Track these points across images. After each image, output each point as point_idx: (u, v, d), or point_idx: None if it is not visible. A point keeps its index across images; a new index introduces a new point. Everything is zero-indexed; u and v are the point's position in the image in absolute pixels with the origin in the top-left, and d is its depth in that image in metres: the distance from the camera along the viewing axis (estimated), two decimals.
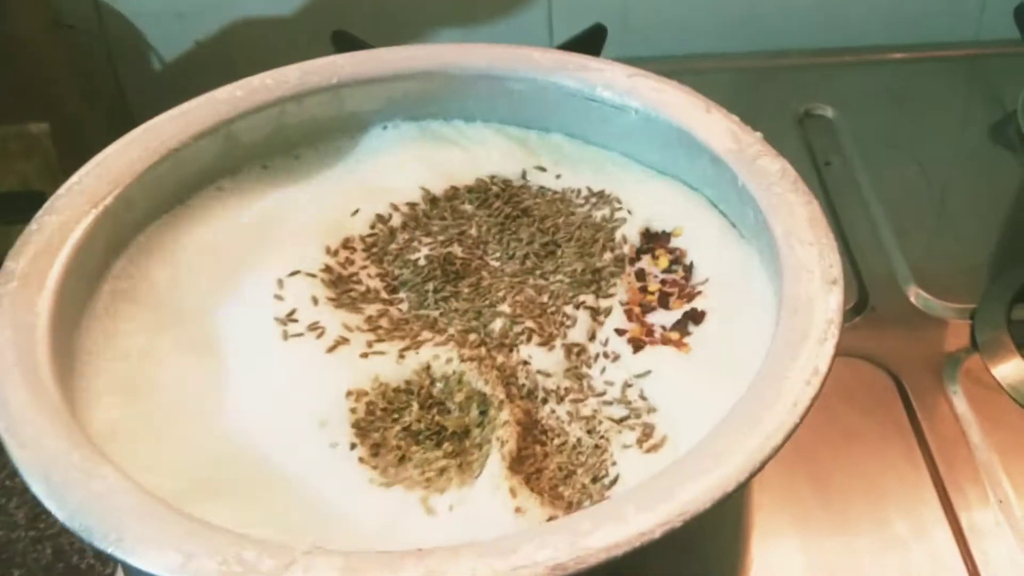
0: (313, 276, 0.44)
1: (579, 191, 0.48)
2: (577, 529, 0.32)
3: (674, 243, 0.46)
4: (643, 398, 0.40)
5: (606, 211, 0.47)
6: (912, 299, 0.63)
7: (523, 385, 0.41)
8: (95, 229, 0.42)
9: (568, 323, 0.43)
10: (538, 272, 0.45)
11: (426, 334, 0.42)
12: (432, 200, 0.48)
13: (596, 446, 0.39)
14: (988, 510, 0.53)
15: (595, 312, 0.43)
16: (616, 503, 0.33)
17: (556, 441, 0.39)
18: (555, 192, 0.48)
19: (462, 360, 0.41)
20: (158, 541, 0.32)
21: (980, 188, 0.72)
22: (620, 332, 0.42)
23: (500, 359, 0.41)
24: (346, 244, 0.46)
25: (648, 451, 0.39)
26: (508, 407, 0.39)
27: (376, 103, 0.50)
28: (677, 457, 0.36)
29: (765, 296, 0.42)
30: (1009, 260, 0.66)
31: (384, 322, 0.43)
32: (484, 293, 0.44)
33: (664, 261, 0.45)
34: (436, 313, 0.43)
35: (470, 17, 0.80)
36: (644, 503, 0.32)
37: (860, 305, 0.63)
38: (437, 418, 0.40)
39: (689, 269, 0.45)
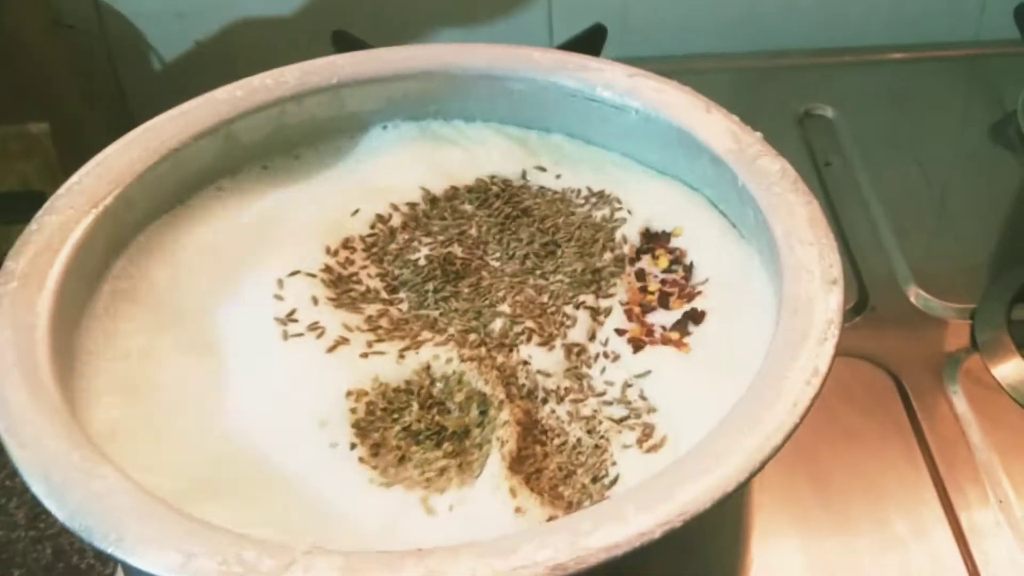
0: (313, 276, 0.44)
1: (579, 191, 0.48)
2: (577, 529, 0.32)
3: (674, 243, 0.46)
4: (643, 398, 0.40)
5: (606, 211, 0.47)
6: (912, 299, 0.63)
7: (523, 385, 0.41)
8: (95, 229, 0.42)
9: (568, 323, 0.43)
10: (538, 272, 0.45)
11: (426, 334, 0.42)
12: (432, 200, 0.48)
13: (596, 446, 0.39)
14: (988, 510, 0.53)
15: (595, 312, 0.43)
16: (616, 503, 0.33)
17: (556, 441, 0.39)
18: (555, 192, 0.48)
19: (462, 360, 0.41)
20: (158, 541, 0.32)
21: (980, 188, 0.72)
22: (620, 332, 0.42)
23: (500, 359, 0.41)
24: (346, 244, 0.46)
25: (648, 451, 0.38)
26: (508, 407, 0.39)
27: (376, 103, 0.50)
28: (677, 457, 0.36)
29: (765, 296, 0.42)
30: (1009, 260, 0.66)
31: (384, 322, 0.43)
32: (484, 293, 0.44)
33: (664, 261, 0.45)
34: (436, 313, 0.43)
35: (470, 17, 0.80)
36: (644, 503, 0.32)
37: (860, 305, 0.63)
38: (437, 418, 0.40)
39: (689, 269, 0.45)
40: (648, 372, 0.41)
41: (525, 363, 0.41)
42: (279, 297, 0.43)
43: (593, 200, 0.47)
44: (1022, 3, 0.77)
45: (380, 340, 0.42)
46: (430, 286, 0.44)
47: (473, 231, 0.47)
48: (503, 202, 0.48)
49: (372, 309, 0.43)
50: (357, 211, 0.47)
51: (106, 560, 0.51)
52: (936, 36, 0.83)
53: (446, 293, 0.44)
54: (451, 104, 0.50)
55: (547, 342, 0.42)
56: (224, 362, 0.41)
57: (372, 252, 0.46)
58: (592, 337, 0.42)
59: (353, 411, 0.40)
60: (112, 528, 0.32)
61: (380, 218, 0.47)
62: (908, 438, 0.56)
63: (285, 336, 0.42)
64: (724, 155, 0.44)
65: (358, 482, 0.38)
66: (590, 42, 0.71)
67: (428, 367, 0.41)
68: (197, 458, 0.38)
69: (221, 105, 0.47)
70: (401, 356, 0.41)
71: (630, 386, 0.41)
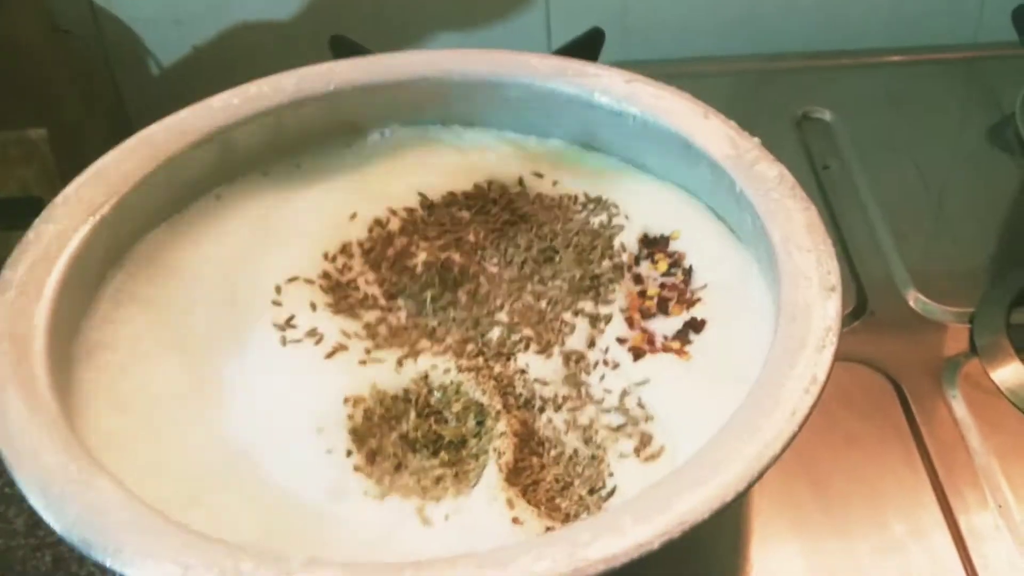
0: (311, 282, 0.44)
1: (576, 197, 0.48)
2: (575, 540, 0.32)
3: (672, 247, 0.46)
4: (641, 406, 0.40)
5: (604, 217, 0.47)
6: (911, 303, 0.63)
7: (520, 394, 0.41)
8: (92, 238, 0.42)
9: (566, 330, 0.43)
10: (536, 278, 0.45)
11: (424, 343, 0.42)
12: (430, 206, 0.48)
13: (593, 456, 0.39)
14: (987, 514, 0.53)
15: (594, 319, 0.43)
16: (614, 514, 0.33)
17: (553, 452, 0.39)
18: (553, 198, 0.48)
19: (460, 370, 0.41)
20: (155, 553, 0.32)
21: (978, 191, 0.71)
22: (621, 341, 0.42)
23: (497, 369, 0.41)
24: (344, 250, 0.46)
25: (646, 460, 0.38)
26: (505, 418, 0.39)
27: (374, 109, 0.50)
28: (675, 466, 0.36)
29: (764, 302, 0.42)
30: (1008, 263, 0.65)
31: (382, 329, 0.43)
32: (482, 301, 0.44)
33: (663, 265, 0.45)
34: (435, 322, 0.43)
35: (468, 20, 0.80)
36: (642, 514, 0.32)
37: (859, 309, 0.63)
38: (434, 427, 0.40)
39: (688, 272, 0.45)
40: (647, 380, 0.41)
41: (523, 372, 0.41)
42: (277, 303, 0.43)
43: (591, 206, 0.47)
44: (1020, 5, 0.77)
45: (378, 347, 0.42)
46: (428, 294, 0.44)
47: (471, 237, 0.47)
48: (501, 208, 0.47)
49: (370, 316, 0.43)
50: (355, 216, 0.47)
51: (105, 569, 0.51)
52: (934, 38, 0.82)
53: (444, 302, 0.44)
54: (449, 110, 0.50)
55: (545, 350, 0.42)
56: (222, 369, 0.41)
57: (370, 257, 0.46)
58: (591, 344, 0.42)
59: (350, 417, 0.40)
60: (110, 540, 0.32)
61: (378, 223, 0.47)
62: (907, 442, 0.56)
63: (284, 342, 0.42)
64: (722, 161, 0.44)
65: (354, 491, 0.38)
66: (588, 46, 0.71)
67: (426, 376, 0.41)
68: (194, 466, 0.38)
69: (218, 113, 0.47)
70: (399, 364, 0.41)
71: (628, 394, 0.41)
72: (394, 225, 0.47)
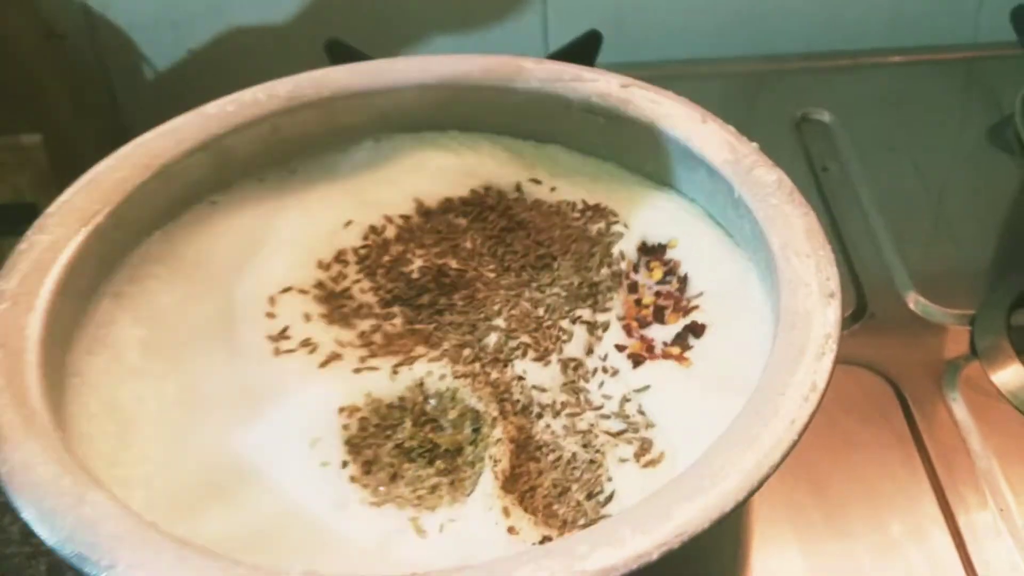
0: (305, 293, 0.44)
1: (574, 204, 0.48)
2: (573, 552, 0.32)
3: (669, 255, 0.45)
4: (641, 413, 0.40)
5: (601, 224, 0.47)
6: (911, 305, 0.63)
7: (517, 401, 0.40)
8: (86, 248, 0.41)
9: (564, 338, 0.42)
10: (534, 285, 0.45)
11: (420, 349, 0.42)
12: (426, 212, 0.48)
13: (591, 461, 0.38)
14: (988, 517, 0.52)
15: (592, 327, 0.43)
16: (612, 524, 0.33)
17: (551, 457, 0.39)
18: (551, 205, 0.48)
19: (455, 376, 0.40)
20: (150, 567, 0.32)
21: (978, 192, 0.71)
22: (620, 348, 0.42)
23: (494, 375, 0.41)
24: (339, 257, 0.46)
25: (646, 466, 0.38)
26: (501, 424, 0.39)
27: (369, 115, 0.49)
28: (674, 473, 0.35)
29: (763, 309, 0.42)
30: (1008, 265, 0.65)
31: (377, 337, 0.43)
32: (479, 306, 0.44)
33: (658, 273, 0.45)
34: (431, 327, 0.43)
35: (465, 23, 0.80)
36: (641, 524, 0.32)
37: (859, 312, 0.62)
38: (430, 435, 0.39)
39: (684, 281, 0.44)
40: (647, 387, 0.41)
41: (520, 378, 0.41)
42: (271, 315, 0.43)
43: (589, 213, 0.47)
44: (1020, 5, 0.77)
45: (373, 356, 0.42)
46: (424, 299, 0.44)
47: (467, 244, 0.46)
48: (498, 214, 0.47)
49: (365, 324, 0.43)
50: (350, 223, 0.47)
51: None
52: (933, 39, 0.82)
53: (440, 306, 0.44)
54: (445, 115, 0.50)
55: (543, 357, 0.42)
56: (215, 379, 0.41)
57: (365, 265, 0.45)
58: (589, 352, 0.42)
59: (346, 427, 0.40)
60: (104, 554, 0.32)
61: (374, 230, 0.47)
62: (908, 445, 0.56)
63: (277, 352, 0.42)
64: (720, 166, 0.44)
65: (349, 501, 0.37)
66: (585, 48, 0.71)
67: (421, 383, 0.41)
68: (188, 477, 0.38)
69: (212, 120, 0.46)
70: (394, 372, 0.41)
71: (628, 400, 0.40)
72: (390, 232, 0.47)
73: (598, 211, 0.47)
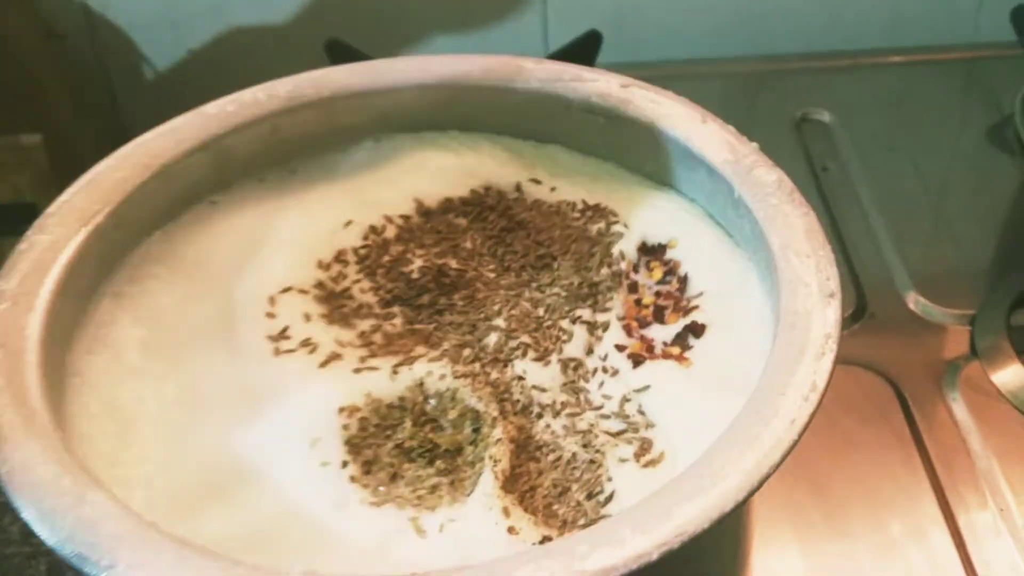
0: (305, 293, 0.44)
1: (574, 204, 0.48)
2: (573, 552, 0.31)
3: (669, 255, 0.45)
4: (642, 413, 0.40)
5: (601, 224, 0.47)
6: (911, 305, 0.63)
7: (517, 401, 0.40)
8: (86, 248, 0.41)
9: (564, 338, 0.42)
10: (534, 285, 0.45)
11: (420, 349, 0.42)
12: (426, 212, 0.48)
13: (591, 461, 0.38)
14: (988, 517, 0.52)
15: (592, 327, 0.43)
16: (612, 525, 0.33)
17: (551, 457, 0.39)
18: (551, 205, 0.48)
19: (455, 376, 0.40)
20: (150, 567, 0.32)
21: (978, 192, 0.71)
22: (620, 348, 0.42)
23: (494, 375, 0.41)
24: (339, 257, 0.46)
25: (646, 466, 0.38)
26: (501, 424, 0.39)
27: (369, 115, 0.49)
28: (674, 473, 0.35)
29: (763, 309, 0.42)
30: (1008, 265, 0.65)
31: (377, 337, 0.43)
32: (479, 306, 0.44)
33: (658, 273, 0.45)
34: (431, 327, 0.43)
35: (465, 23, 0.80)
36: (641, 524, 0.32)
37: (859, 312, 0.62)
38: (430, 435, 0.39)
39: (684, 281, 0.44)
40: (647, 387, 0.41)
41: (520, 378, 0.41)
42: (271, 315, 0.43)
43: (589, 213, 0.47)
44: (1020, 5, 0.77)
45: (373, 356, 0.42)
46: (424, 299, 0.44)
47: (467, 244, 0.46)
48: (498, 215, 0.47)
49: (365, 324, 0.43)
50: (350, 223, 0.47)
51: None
52: (933, 39, 0.82)
53: (440, 306, 0.44)
54: (445, 115, 0.50)
55: (543, 357, 0.42)
56: (215, 379, 0.41)
57: (365, 265, 0.45)
58: (589, 352, 0.42)
59: (346, 427, 0.39)
60: (104, 554, 0.32)
61: (374, 230, 0.47)
62: (908, 445, 0.56)
63: (276, 352, 0.42)
64: (720, 166, 0.44)
65: (349, 501, 0.37)
66: (585, 48, 0.71)
67: (421, 383, 0.41)
68: (188, 477, 0.38)
69: (212, 120, 0.46)
70: (394, 372, 0.41)
71: (628, 400, 0.40)
72: (390, 232, 0.47)
73: (598, 211, 0.47)
